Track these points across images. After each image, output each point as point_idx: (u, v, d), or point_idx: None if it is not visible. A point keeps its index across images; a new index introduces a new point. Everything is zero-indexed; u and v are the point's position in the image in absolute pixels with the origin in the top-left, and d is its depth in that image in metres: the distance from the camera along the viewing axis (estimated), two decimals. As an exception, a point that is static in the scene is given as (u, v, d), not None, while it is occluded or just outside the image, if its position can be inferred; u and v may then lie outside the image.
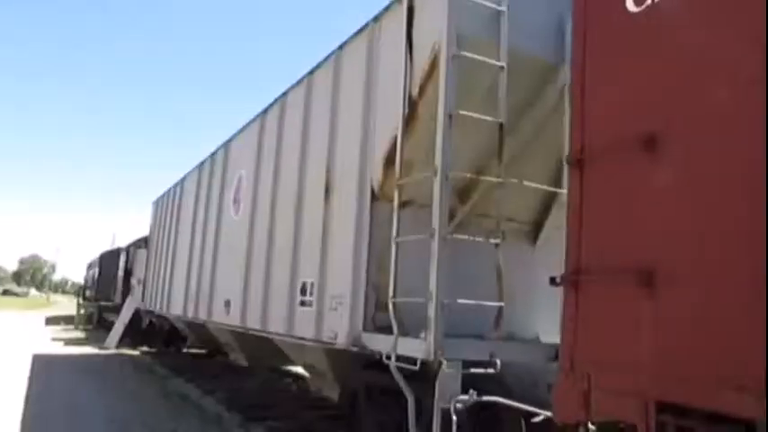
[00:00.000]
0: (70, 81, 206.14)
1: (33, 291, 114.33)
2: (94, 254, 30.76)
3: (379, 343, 4.46)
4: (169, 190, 13.20)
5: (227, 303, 7.97)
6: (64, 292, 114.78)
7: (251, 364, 9.44)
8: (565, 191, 4.52)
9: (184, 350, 14.55)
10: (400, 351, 4.14)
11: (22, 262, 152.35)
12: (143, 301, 15.03)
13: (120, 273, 20.52)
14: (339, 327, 4.96)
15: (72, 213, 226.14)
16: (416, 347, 3.96)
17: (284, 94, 6.96)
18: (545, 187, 4.85)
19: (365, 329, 4.71)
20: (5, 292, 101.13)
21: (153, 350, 15.35)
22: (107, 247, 29.46)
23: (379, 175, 4.82)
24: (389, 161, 4.69)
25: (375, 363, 5.23)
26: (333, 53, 5.85)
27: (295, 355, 6.89)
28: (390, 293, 4.26)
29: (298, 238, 6.02)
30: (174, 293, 11.45)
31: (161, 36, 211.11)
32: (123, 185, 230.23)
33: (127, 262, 20.04)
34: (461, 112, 4.04)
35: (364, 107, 5.06)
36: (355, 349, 4.75)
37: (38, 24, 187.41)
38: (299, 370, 9.46)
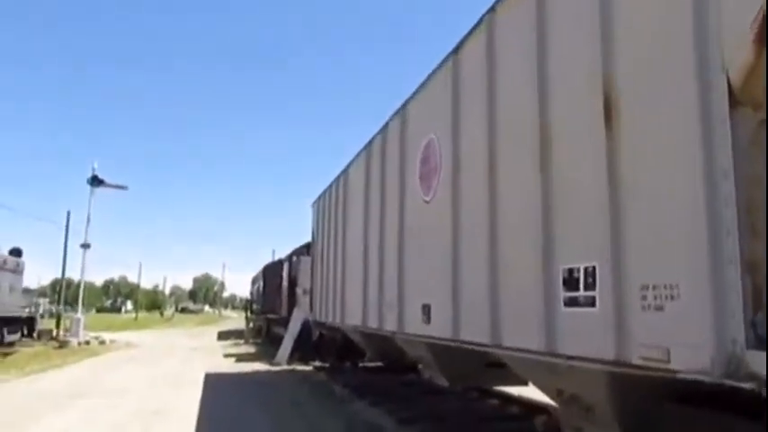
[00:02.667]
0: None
1: (207, 307, 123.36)
2: (258, 269, 31.03)
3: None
4: (330, 186, 11.75)
5: (426, 310, 6.10)
6: (233, 307, 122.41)
7: (453, 384, 7.49)
8: None
9: (361, 365, 13.07)
10: None
11: (195, 281, 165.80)
12: (311, 312, 13.79)
13: (285, 284, 19.74)
14: (676, 339, 2.79)
15: (236, 232, 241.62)
16: None
17: (491, 9, 4.93)
18: None
19: (748, 344, 2.51)
20: (183, 310, 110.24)
21: (326, 365, 14.03)
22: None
23: (744, 58, 2.59)
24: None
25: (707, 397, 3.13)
26: None
27: (542, 378, 4.80)
28: None
29: (549, 201, 3.93)
30: (348, 302, 9.87)
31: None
32: (282, 200, 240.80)
33: (290, 272, 19.20)
34: None
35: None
36: (730, 382, 2.55)
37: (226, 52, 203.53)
38: (525, 392, 7.40)
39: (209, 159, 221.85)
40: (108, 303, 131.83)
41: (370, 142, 8.82)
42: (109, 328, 39.61)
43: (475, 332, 4.93)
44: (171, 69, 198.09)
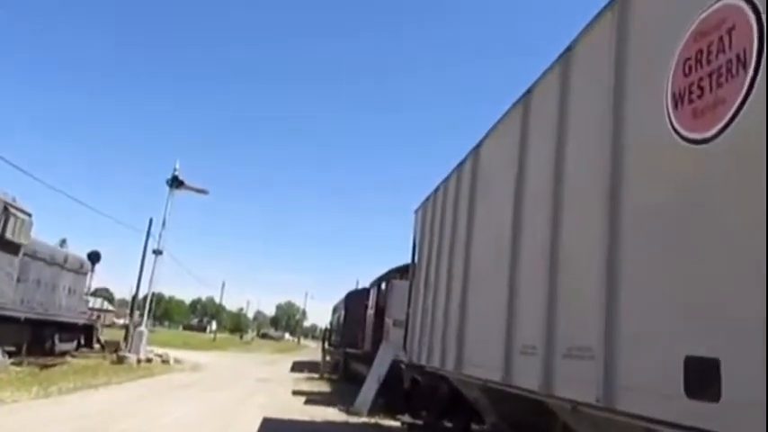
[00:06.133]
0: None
1: (287, 335, 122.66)
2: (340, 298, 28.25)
3: None
4: (447, 178, 8.55)
5: (701, 369, 2.71)
6: (313, 337, 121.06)
7: None
8: None
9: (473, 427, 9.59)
10: None
11: (278, 307, 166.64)
12: (404, 350, 10.51)
13: (370, 312, 16.62)
14: None
15: (320, 261, 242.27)
16: None
17: None
18: None
19: None
20: (264, 336, 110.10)
21: (419, 422, 10.64)
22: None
23: None
24: None
25: None
26: None
27: None
28: None
29: None
30: (471, 340, 6.55)
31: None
32: (365, 234, 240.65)
33: (378, 299, 16.08)
34: None
35: None
36: None
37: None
38: None
39: (303, 184, 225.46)
40: (195, 321, 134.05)
41: (530, 90, 5.59)
42: (185, 345, 38.06)
43: None
44: (275, 95, 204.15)
